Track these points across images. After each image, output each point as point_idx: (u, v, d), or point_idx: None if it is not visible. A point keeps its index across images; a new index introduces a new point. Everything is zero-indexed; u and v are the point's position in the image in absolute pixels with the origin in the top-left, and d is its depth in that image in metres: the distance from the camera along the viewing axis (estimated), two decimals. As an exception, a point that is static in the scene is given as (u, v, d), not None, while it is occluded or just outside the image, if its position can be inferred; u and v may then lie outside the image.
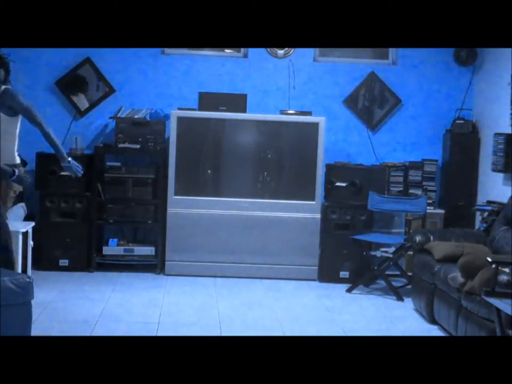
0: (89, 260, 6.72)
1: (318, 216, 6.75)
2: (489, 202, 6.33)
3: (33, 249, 5.86)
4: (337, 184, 6.81)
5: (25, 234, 5.59)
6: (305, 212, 6.72)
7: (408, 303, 5.93)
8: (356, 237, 6.45)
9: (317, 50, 7.27)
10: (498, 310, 3.93)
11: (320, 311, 5.69)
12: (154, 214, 6.80)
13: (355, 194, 6.74)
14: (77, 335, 4.67)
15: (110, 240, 6.83)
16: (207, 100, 6.77)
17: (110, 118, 6.96)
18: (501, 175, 6.49)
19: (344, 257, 6.69)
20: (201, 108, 6.78)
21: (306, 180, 6.76)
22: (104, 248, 6.78)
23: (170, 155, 6.64)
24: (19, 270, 5.29)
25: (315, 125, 6.69)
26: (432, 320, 5.34)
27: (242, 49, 7.25)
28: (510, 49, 6.17)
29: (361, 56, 7.33)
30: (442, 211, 7.02)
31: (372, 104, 7.28)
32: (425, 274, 5.52)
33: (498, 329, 3.99)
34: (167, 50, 7.15)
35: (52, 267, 6.61)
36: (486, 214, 6.21)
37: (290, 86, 7.16)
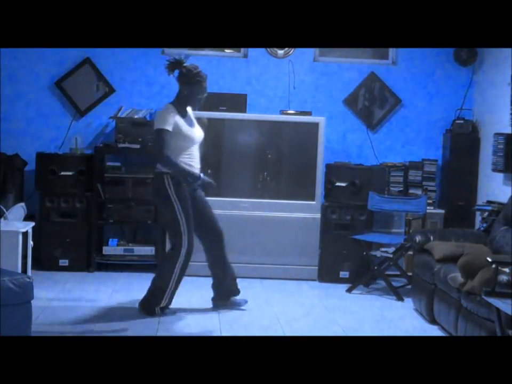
0: (89, 260, 6.71)
1: (318, 216, 6.75)
2: (489, 202, 6.33)
3: (33, 249, 5.86)
4: (337, 184, 6.81)
5: (25, 234, 5.59)
6: (305, 212, 6.72)
7: (408, 303, 5.93)
8: (356, 237, 6.45)
9: (317, 50, 7.27)
10: (498, 310, 3.93)
11: (320, 311, 5.69)
12: (154, 214, 6.80)
13: (355, 194, 6.74)
14: (77, 335, 4.66)
15: (110, 240, 6.83)
16: (207, 100, 6.75)
17: (110, 118, 6.96)
18: (501, 175, 6.49)
19: (344, 257, 6.69)
20: (201, 107, 6.76)
21: (306, 180, 6.76)
22: (104, 248, 6.77)
23: (170, 155, 6.63)
24: (19, 270, 5.30)
25: (315, 125, 6.69)
26: (432, 320, 5.34)
27: (242, 49, 7.25)
28: (510, 49, 6.17)
29: (361, 56, 7.32)
30: (442, 211, 7.01)
31: (372, 104, 7.28)
32: (425, 274, 5.52)
33: (498, 329, 3.99)
34: (167, 50, 7.15)
35: (52, 267, 6.61)
36: (486, 214, 6.21)
37: (290, 86, 7.15)
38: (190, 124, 5.27)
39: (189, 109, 5.36)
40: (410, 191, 7.10)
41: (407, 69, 7.29)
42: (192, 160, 5.24)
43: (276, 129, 6.86)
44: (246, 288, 6.26)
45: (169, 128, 5.08)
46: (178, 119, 5.16)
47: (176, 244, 5.28)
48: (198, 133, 5.31)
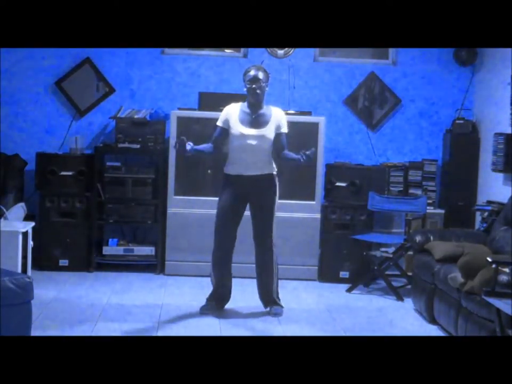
0: (89, 260, 6.71)
1: (318, 216, 6.75)
2: (489, 202, 6.33)
3: (33, 249, 5.86)
4: (337, 184, 6.81)
5: (25, 234, 5.60)
6: (305, 212, 6.72)
7: (408, 303, 5.93)
8: (356, 237, 6.45)
9: (317, 50, 7.27)
10: (498, 310, 3.93)
11: (320, 311, 5.69)
12: (154, 214, 6.80)
13: (355, 194, 6.73)
14: (77, 335, 4.67)
15: (110, 240, 6.83)
16: (207, 100, 6.77)
17: (110, 118, 6.96)
18: (501, 175, 6.49)
19: (344, 257, 6.69)
20: (201, 107, 6.78)
21: (306, 179, 6.75)
22: (104, 248, 6.77)
23: (170, 155, 6.64)
24: (19, 270, 5.30)
25: (315, 125, 6.69)
26: (432, 320, 5.35)
27: (242, 49, 7.24)
28: (510, 49, 6.17)
29: (361, 56, 7.32)
30: (442, 211, 7.01)
31: (371, 104, 7.28)
32: (425, 274, 5.52)
33: (498, 329, 3.99)
34: (167, 50, 7.15)
35: (52, 267, 6.60)
36: (486, 214, 6.21)
37: (290, 86, 7.15)
38: (248, 123, 5.30)
39: (276, 112, 5.39)
40: (410, 191, 7.10)
41: (407, 69, 7.29)
42: (236, 156, 5.32)
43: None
44: (247, 288, 6.26)
45: (219, 123, 5.41)
46: (231, 114, 5.36)
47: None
48: (251, 133, 5.28)
